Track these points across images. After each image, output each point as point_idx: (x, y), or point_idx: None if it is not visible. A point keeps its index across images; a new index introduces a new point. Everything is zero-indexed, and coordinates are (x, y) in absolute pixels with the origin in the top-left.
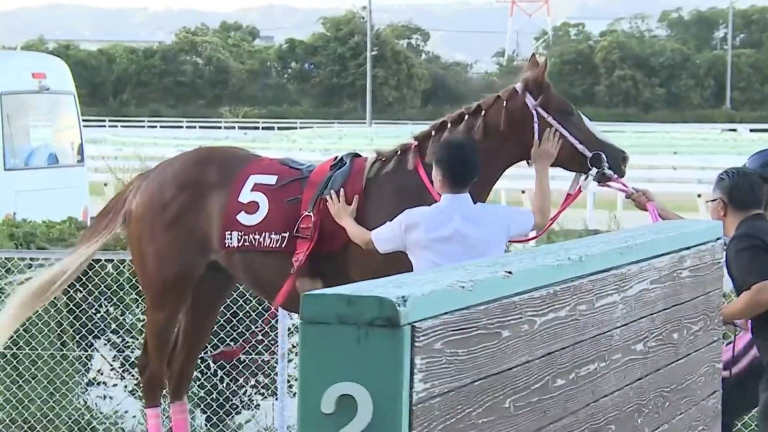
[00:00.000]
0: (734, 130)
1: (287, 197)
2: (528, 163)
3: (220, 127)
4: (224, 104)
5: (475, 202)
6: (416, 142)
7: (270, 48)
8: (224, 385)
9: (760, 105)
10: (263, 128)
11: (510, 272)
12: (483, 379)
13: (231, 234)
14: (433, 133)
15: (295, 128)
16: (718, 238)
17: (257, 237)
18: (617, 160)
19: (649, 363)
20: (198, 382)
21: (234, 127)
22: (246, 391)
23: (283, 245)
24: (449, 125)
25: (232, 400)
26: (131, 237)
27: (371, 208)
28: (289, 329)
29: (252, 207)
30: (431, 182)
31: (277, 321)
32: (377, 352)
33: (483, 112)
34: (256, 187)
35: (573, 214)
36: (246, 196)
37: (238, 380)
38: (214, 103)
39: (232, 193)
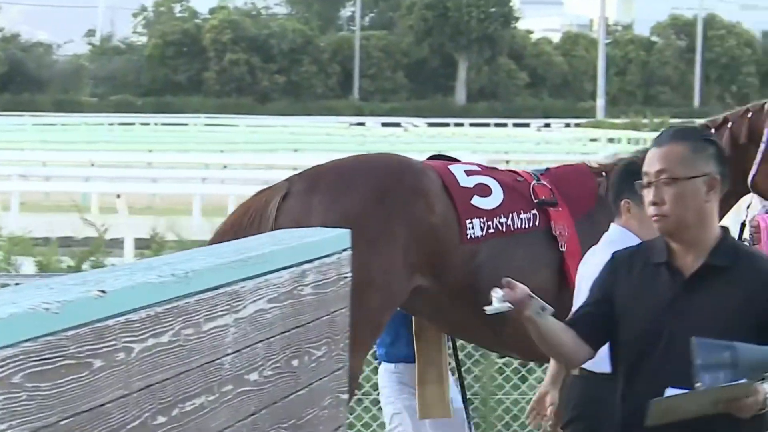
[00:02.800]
0: (363, 124)
1: (509, 177)
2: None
3: None
4: None
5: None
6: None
7: None
8: None
9: (392, 95)
10: None
11: (103, 291)
12: (71, 418)
13: (472, 222)
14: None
15: None
16: (344, 249)
17: (504, 220)
18: None
19: (265, 395)
20: None
21: None
22: None
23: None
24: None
25: None
26: None
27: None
28: None
29: (484, 190)
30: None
31: None
32: None
33: (730, 124)
34: (471, 174)
35: (184, 222)
36: (467, 180)
37: None
38: None
39: (448, 181)
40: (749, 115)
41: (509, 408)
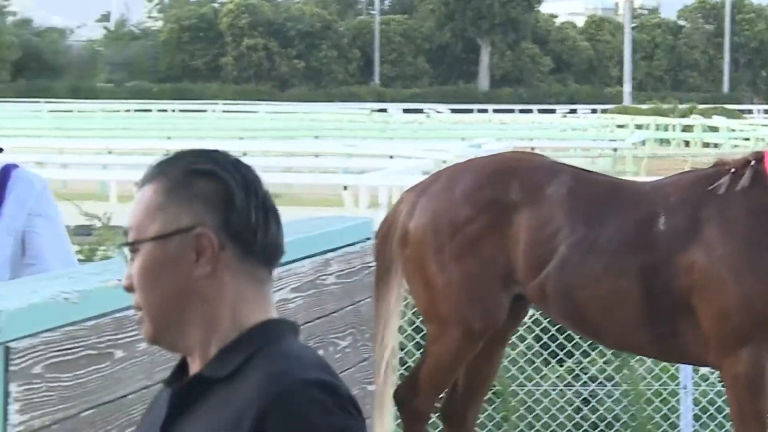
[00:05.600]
0: (385, 110)
1: None
2: None
3: None
4: None
5: None
6: None
7: None
8: None
9: (413, 81)
10: None
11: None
12: (92, 409)
13: None
14: None
15: None
16: (368, 238)
17: None
18: None
19: None
20: None
21: None
22: None
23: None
24: None
25: None
26: (409, 263)
27: (718, 235)
28: None
29: None
30: None
31: None
32: None
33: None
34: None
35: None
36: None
37: None
38: None
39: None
40: None
41: (524, 400)
